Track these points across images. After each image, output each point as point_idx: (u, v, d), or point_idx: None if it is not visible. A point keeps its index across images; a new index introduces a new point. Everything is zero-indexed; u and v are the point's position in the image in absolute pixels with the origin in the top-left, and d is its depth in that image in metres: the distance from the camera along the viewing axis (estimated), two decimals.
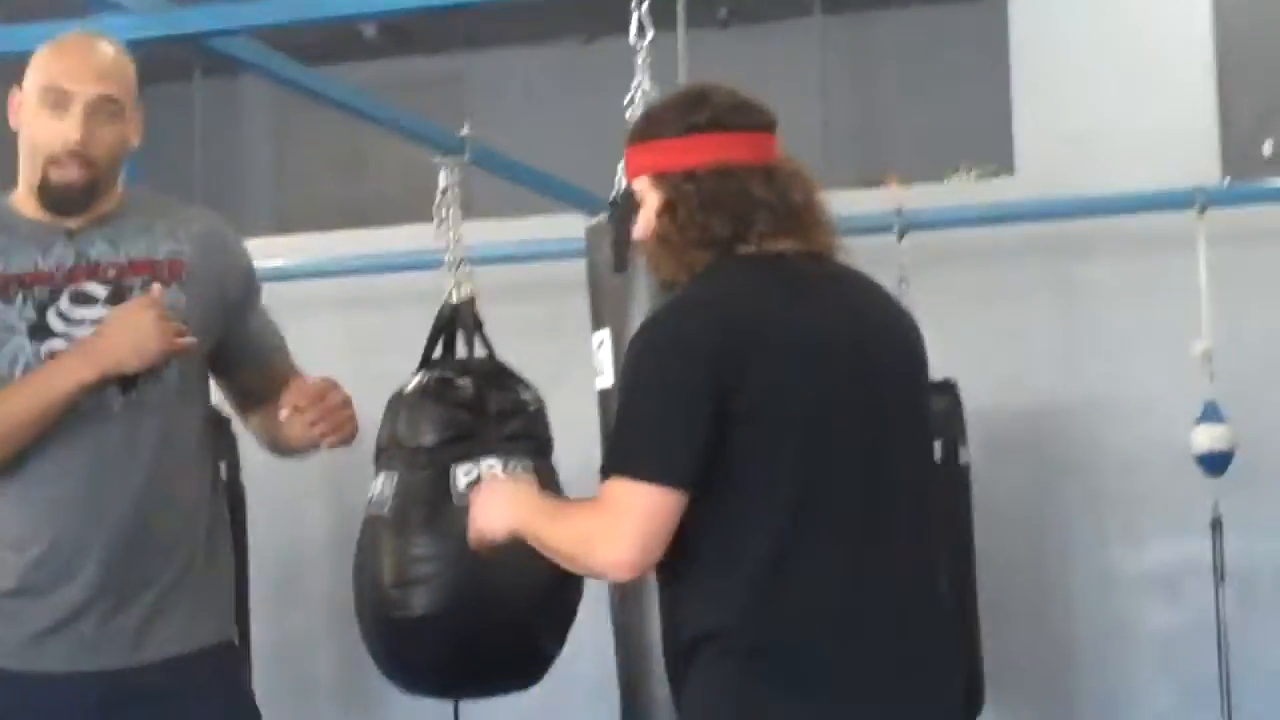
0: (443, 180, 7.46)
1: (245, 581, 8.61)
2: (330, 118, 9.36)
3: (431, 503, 6.60)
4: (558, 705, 7.71)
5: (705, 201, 3.19)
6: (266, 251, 10.28)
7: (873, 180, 10.14)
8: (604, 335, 4.87)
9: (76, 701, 3.77)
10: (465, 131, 7.58)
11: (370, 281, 9.69)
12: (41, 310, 3.77)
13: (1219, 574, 8.62)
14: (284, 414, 3.76)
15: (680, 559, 3.16)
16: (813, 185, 3.30)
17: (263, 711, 9.06)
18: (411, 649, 6.66)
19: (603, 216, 5.04)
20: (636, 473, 3.09)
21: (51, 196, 3.81)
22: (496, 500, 3.30)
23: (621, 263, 4.87)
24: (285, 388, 3.91)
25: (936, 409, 6.04)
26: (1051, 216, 9.25)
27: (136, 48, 5.54)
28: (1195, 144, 9.42)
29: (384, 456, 6.82)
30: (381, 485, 6.77)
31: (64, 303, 3.80)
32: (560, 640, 6.62)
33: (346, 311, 10.07)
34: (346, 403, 3.89)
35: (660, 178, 3.23)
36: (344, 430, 3.90)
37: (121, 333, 3.67)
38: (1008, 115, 9.96)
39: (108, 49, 3.90)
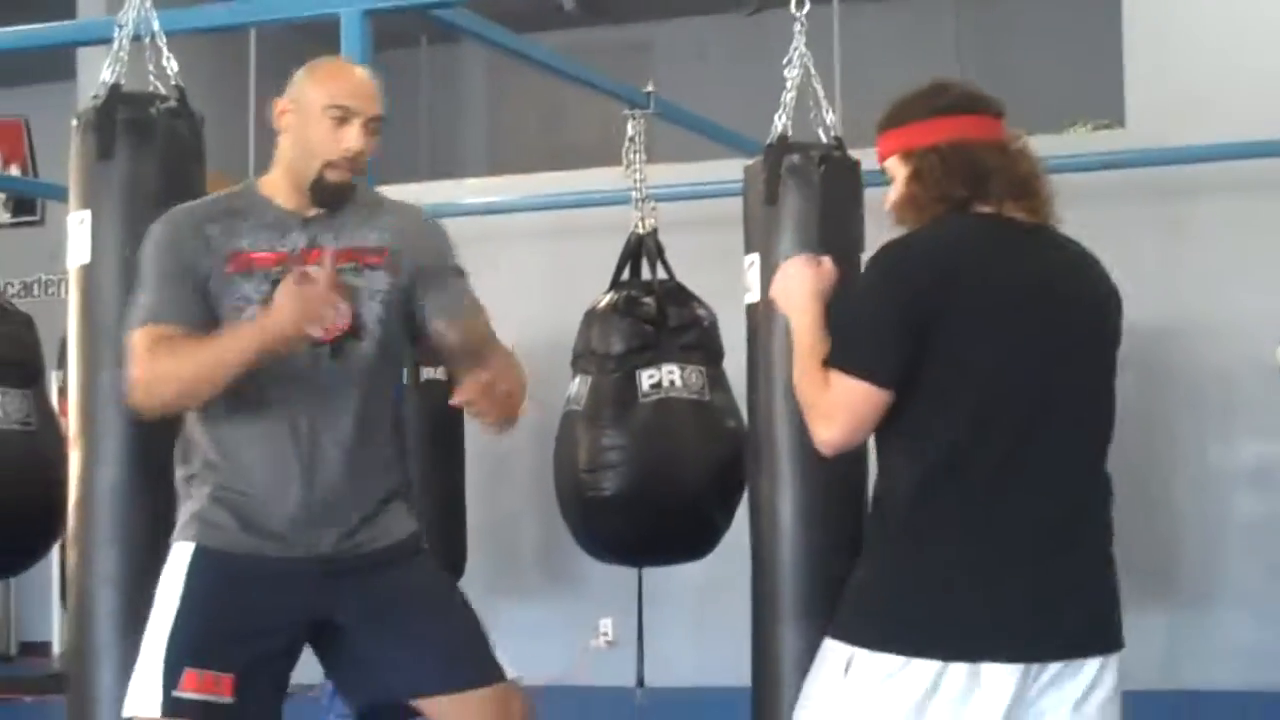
0: (630, 130, 7.55)
1: (462, 471, 8.78)
2: (535, 78, 9.48)
3: (619, 401, 6.71)
4: (725, 574, 7.77)
5: (946, 168, 3.28)
6: (481, 190, 10.47)
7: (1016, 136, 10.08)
8: (754, 258, 4.93)
9: (302, 570, 3.88)
10: (649, 89, 7.66)
11: (569, 215, 9.77)
12: (274, 285, 3.83)
13: None
14: (455, 402, 3.81)
15: (885, 446, 3.23)
16: (1037, 162, 3.37)
17: (478, 579, 9.24)
18: (602, 524, 6.78)
19: (758, 158, 5.09)
20: (853, 369, 3.16)
21: (324, 193, 3.93)
22: (802, 290, 3.33)
23: (772, 196, 4.93)
24: (477, 355, 3.92)
25: None
26: (1157, 163, 9.19)
27: (373, 18, 5.71)
28: None
29: (579, 362, 6.94)
30: (577, 386, 6.89)
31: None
32: (728, 517, 6.70)
33: (548, 241, 10.16)
34: (509, 393, 3.85)
35: (909, 154, 3.33)
36: (506, 414, 3.88)
37: (288, 305, 3.73)
38: (1120, 75, 9.89)
39: (373, 78, 4.06)
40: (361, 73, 4.04)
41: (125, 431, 4.48)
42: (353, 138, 3.88)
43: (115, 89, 4.87)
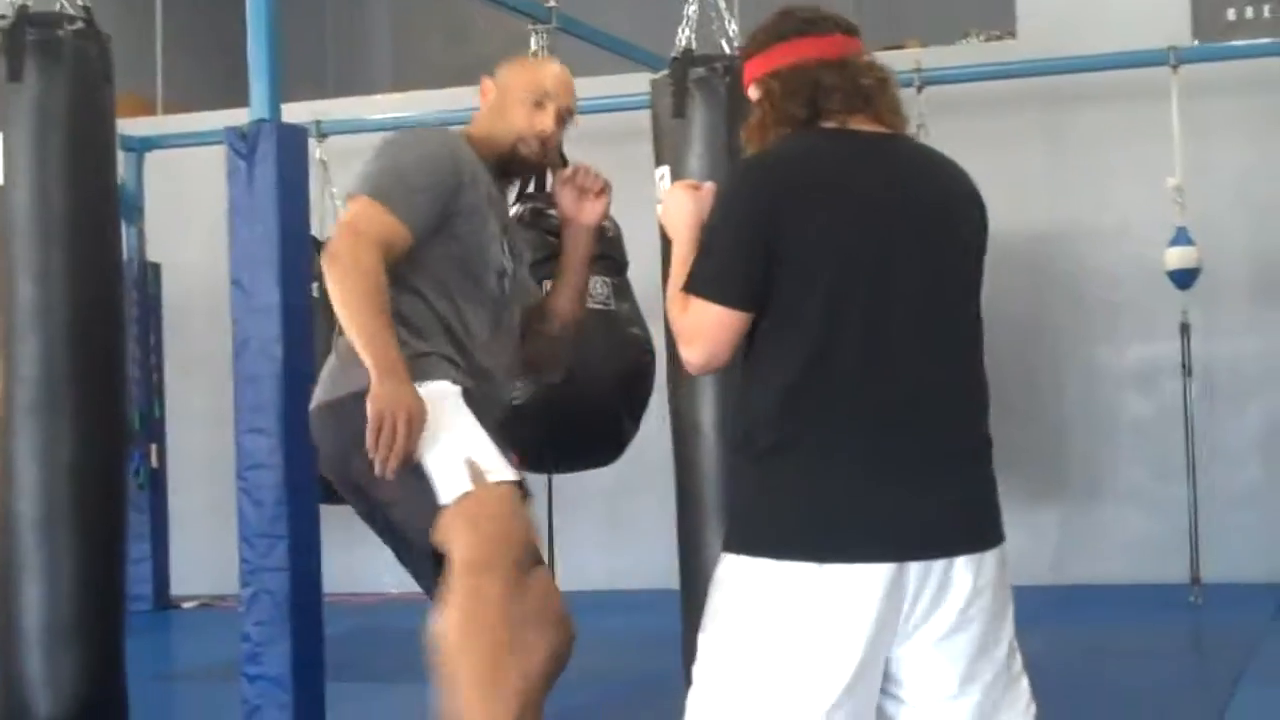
0: (534, 44, 7.50)
1: None
2: None
3: None
4: (634, 479, 7.81)
5: (785, 91, 3.29)
6: (387, 106, 10.38)
7: (896, 44, 10.10)
8: (664, 170, 4.92)
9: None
10: (552, 3, 7.61)
11: None
12: (500, 238, 4.26)
13: (1186, 370, 8.68)
14: (553, 184, 4.36)
15: (742, 366, 3.24)
16: (885, 74, 3.37)
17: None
18: (513, 431, 6.79)
19: (664, 72, 5.07)
20: (706, 294, 3.18)
21: (513, 164, 4.33)
22: (683, 214, 3.36)
23: (680, 109, 4.92)
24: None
25: None
26: (1047, 73, 9.24)
27: None
28: (1170, 11, 9.38)
29: None
30: None
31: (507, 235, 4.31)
32: (635, 423, 6.71)
33: None
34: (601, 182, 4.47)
35: (757, 81, 3.35)
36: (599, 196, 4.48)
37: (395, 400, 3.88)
38: None
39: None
40: (562, 66, 4.46)
41: (44, 352, 4.46)
42: (546, 119, 4.31)
43: (23, 10, 4.80)
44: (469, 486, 3.86)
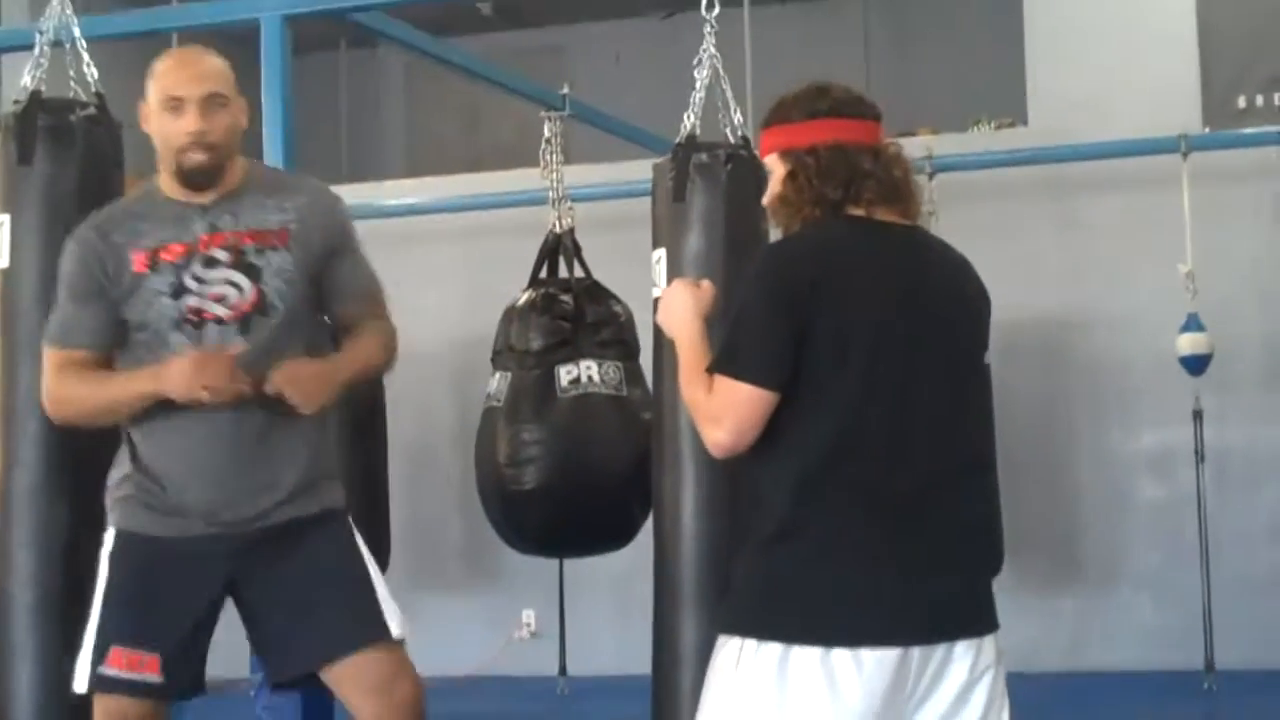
0: (547, 131, 7.52)
1: (385, 466, 8.71)
2: (453, 81, 9.43)
3: (539, 397, 6.67)
4: (644, 564, 7.76)
5: (821, 170, 3.28)
6: (400, 192, 10.41)
7: (908, 131, 10.13)
8: (660, 254, 4.91)
9: (207, 550, 3.99)
10: (565, 91, 7.63)
11: (487, 216, 9.74)
12: (179, 274, 4.00)
13: (1199, 456, 8.64)
14: (268, 389, 3.94)
15: (762, 447, 3.22)
16: (909, 165, 3.37)
17: (403, 574, 9.18)
18: (523, 517, 6.74)
19: (666, 156, 5.06)
20: (735, 373, 3.16)
21: (188, 177, 4.04)
22: (684, 311, 3.33)
23: (679, 193, 4.91)
24: (359, 330, 4.19)
25: None
26: (1058, 160, 9.26)
27: (292, 23, 5.65)
28: (1180, 99, 9.39)
29: (499, 359, 6.90)
30: (497, 382, 6.85)
31: (197, 267, 4.01)
32: (646, 508, 6.66)
33: (467, 241, 10.12)
34: (311, 377, 4.02)
35: (787, 153, 3.33)
36: (312, 400, 4.00)
37: (180, 372, 3.90)
38: (1022, 76, 9.94)
39: (206, 57, 4.13)
40: (190, 57, 4.11)
41: (43, 435, 4.44)
42: (190, 121, 3.98)
43: (35, 95, 4.80)
44: (83, 689, 3.91)
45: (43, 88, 4.87)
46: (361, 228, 9.34)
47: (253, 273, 4.01)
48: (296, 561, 4.06)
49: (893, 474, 3.12)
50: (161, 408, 3.94)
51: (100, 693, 3.86)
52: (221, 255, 4.01)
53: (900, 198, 3.31)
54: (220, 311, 3.97)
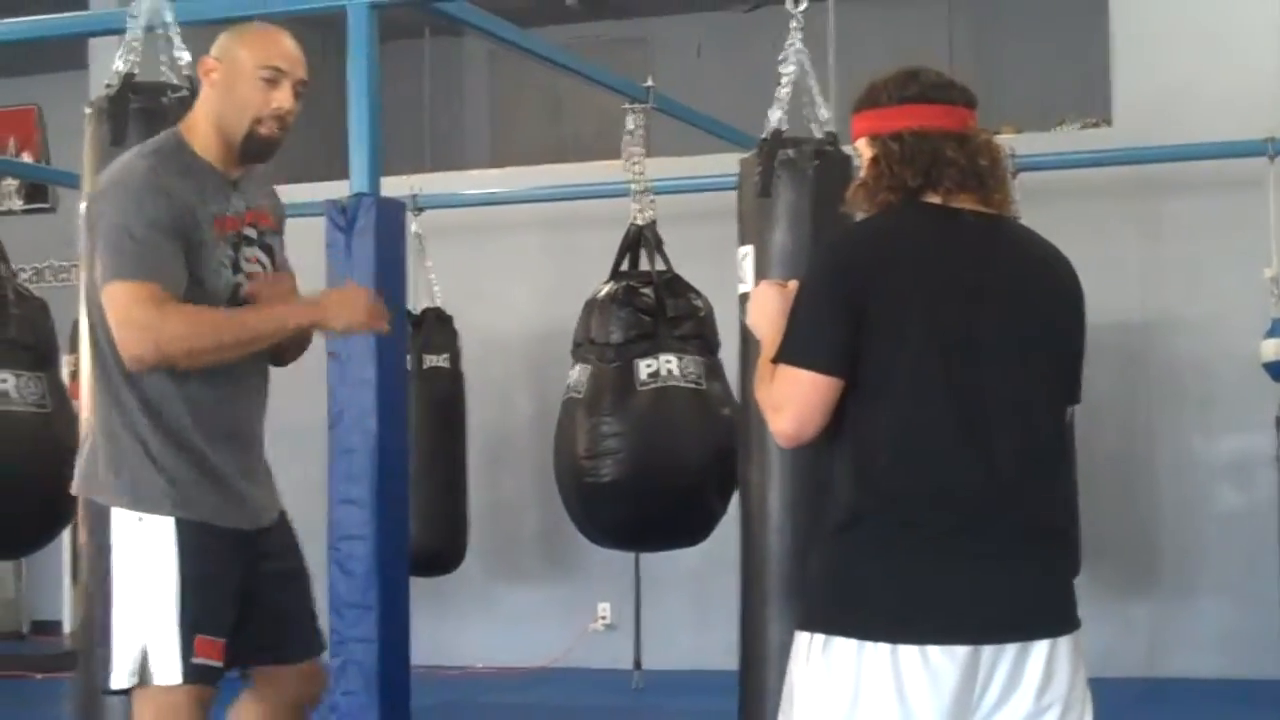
0: (630, 123, 7.54)
1: (464, 456, 8.78)
2: (537, 71, 9.46)
3: (618, 390, 6.73)
4: (722, 558, 7.77)
5: (903, 156, 3.26)
6: (483, 182, 10.46)
7: (993, 130, 10.08)
8: (747, 250, 4.92)
9: (247, 550, 4.00)
10: (649, 83, 7.66)
11: (569, 207, 9.76)
12: (233, 247, 4.00)
13: None
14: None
15: (823, 442, 3.22)
16: (999, 154, 3.33)
17: (480, 564, 9.22)
18: (601, 510, 6.79)
19: (753, 152, 5.08)
20: (794, 360, 3.16)
21: (253, 148, 4.01)
22: (770, 312, 3.34)
23: (766, 189, 4.93)
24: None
25: None
26: (1143, 161, 9.21)
27: (378, 11, 5.70)
28: (1267, 100, 9.31)
29: (579, 351, 6.95)
30: (577, 374, 6.90)
31: (241, 242, 4.03)
32: (724, 503, 6.70)
33: (548, 232, 10.15)
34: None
35: (874, 138, 3.31)
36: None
37: (342, 304, 4.01)
38: (1107, 76, 9.89)
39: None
40: (288, 36, 4.09)
41: None
42: (284, 97, 3.97)
43: (128, 78, 4.86)
44: (134, 681, 3.86)
45: (136, 71, 4.93)
46: (444, 217, 9.45)
47: (269, 253, 4.09)
48: (284, 560, 4.14)
49: (959, 467, 3.09)
50: (221, 375, 3.94)
51: (193, 683, 3.84)
52: (251, 233, 4.05)
53: (984, 186, 3.27)
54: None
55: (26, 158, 12.31)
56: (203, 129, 4.00)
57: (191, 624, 3.84)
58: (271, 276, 4.09)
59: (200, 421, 3.91)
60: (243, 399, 4.02)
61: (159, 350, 3.80)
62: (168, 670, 3.83)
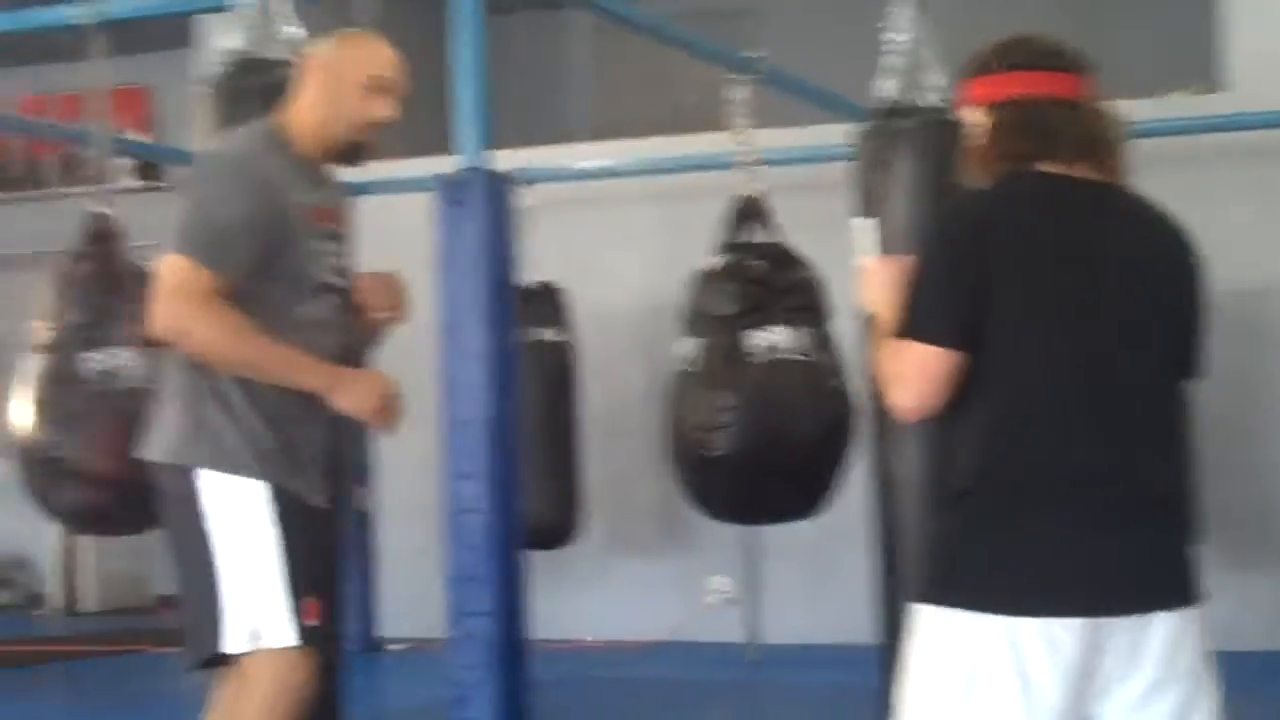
0: (737, 94, 7.52)
1: (578, 429, 8.80)
2: (641, 43, 9.44)
3: (730, 362, 6.71)
4: (838, 531, 7.76)
5: (1014, 124, 3.24)
6: (588, 155, 10.46)
7: (1104, 96, 9.98)
8: (863, 222, 4.90)
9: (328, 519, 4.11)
10: (756, 54, 7.62)
11: (675, 179, 9.75)
12: (323, 241, 4.08)
13: None
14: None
15: (945, 413, 3.20)
16: (1112, 121, 3.30)
17: (595, 535, 9.22)
18: (714, 483, 6.78)
19: (868, 123, 5.06)
20: (914, 334, 3.15)
21: (350, 152, 4.13)
22: (888, 284, 3.33)
23: (883, 161, 4.90)
24: None
25: None
26: (1256, 127, 9.08)
27: None
28: None
29: (690, 323, 6.94)
30: (688, 347, 6.89)
31: (327, 236, 4.11)
32: (837, 476, 6.68)
33: (655, 204, 10.14)
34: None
35: (985, 106, 3.29)
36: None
37: (358, 387, 4.03)
38: (1220, 42, 9.77)
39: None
40: (391, 49, 4.17)
41: None
42: (392, 108, 4.08)
43: (241, 55, 4.90)
44: (247, 648, 3.91)
45: (248, 48, 4.98)
46: (548, 191, 9.44)
47: (345, 249, 4.19)
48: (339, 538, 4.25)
49: (1078, 438, 3.06)
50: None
51: (305, 643, 3.90)
52: (334, 229, 4.14)
53: (1097, 154, 3.24)
54: (339, 283, 4.10)
55: (139, 136, 12.42)
56: (300, 122, 4.09)
57: (298, 585, 3.91)
58: (381, 279, 4.24)
59: (274, 397, 3.98)
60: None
61: (179, 337, 3.93)
62: (282, 633, 3.89)
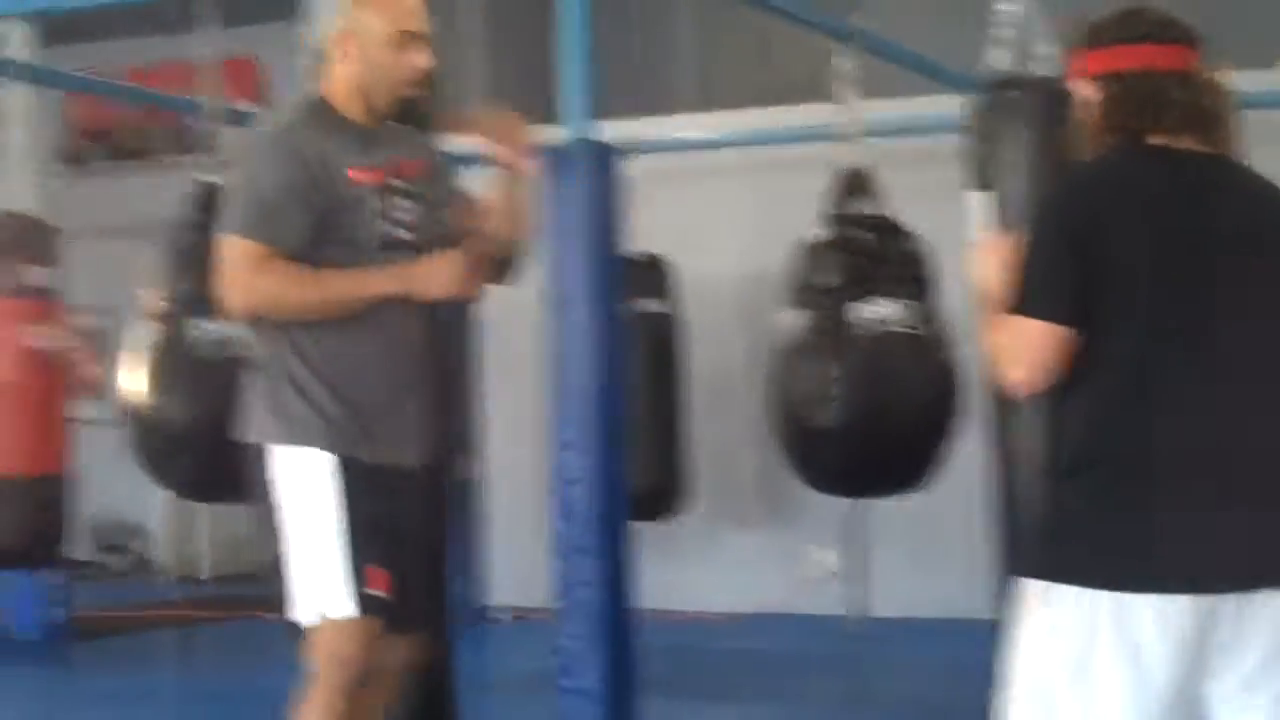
0: (841, 65, 7.49)
1: (683, 398, 8.81)
2: (745, 12, 9.41)
3: (834, 334, 6.69)
4: (945, 505, 7.73)
5: (1124, 97, 3.22)
6: (691, 126, 10.44)
7: (1212, 67, 9.84)
8: (976, 195, 4.87)
9: (399, 486, 4.08)
10: (860, 25, 7.58)
11: (779, 150, 9.71)
12: (382, 197, 4.08)
13: None
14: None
15: (1060, 386, 3.19)
16: (1224, 94, 3.28)
17: (700, 507, 9.20)
18: (820, 455, 6.76)
19: (979, 94, 5.01)
20: (1025, 310, 3.14)
21: (404, 108, 4.15)
22: (998, 259, 3.32)
23: (993, 132, 4.86)
24: None
25: None
26: None
27: None
28: None
29: (795, 295, 6.92)
30: (793, 319, 6.88)
31: (390, 192, 4.10)
32: (944, 449, 6.65)
33: (758, 175, 10.11)
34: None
35: (1095, 78, 3.28)
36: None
37: (432, 272, 4.05)
38: None
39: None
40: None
41: None
42: (425, 57, 4.09)
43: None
44: (314, 619, 3.96)
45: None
46: (652, 162, 9.43)
47: (421, 201, 4.14)
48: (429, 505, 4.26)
49: (1188, 413, 3.05)
50: (369, 324, 4.04)
51: (366, 614, 3.94)
52: (402, 183, 4.12)
53: (1207, 126, 3.22)
54: (408, 237, 4.09)
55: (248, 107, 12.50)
56: (343, 91, 4.11)
57: (359, 555, 3.94)
58: (464, 208, 4.25)
59: (343, 364, 4.03)
60: (393, 347, 4.10)
61: (248, 307, 4.02)
62: (341, 603, 3.94)
